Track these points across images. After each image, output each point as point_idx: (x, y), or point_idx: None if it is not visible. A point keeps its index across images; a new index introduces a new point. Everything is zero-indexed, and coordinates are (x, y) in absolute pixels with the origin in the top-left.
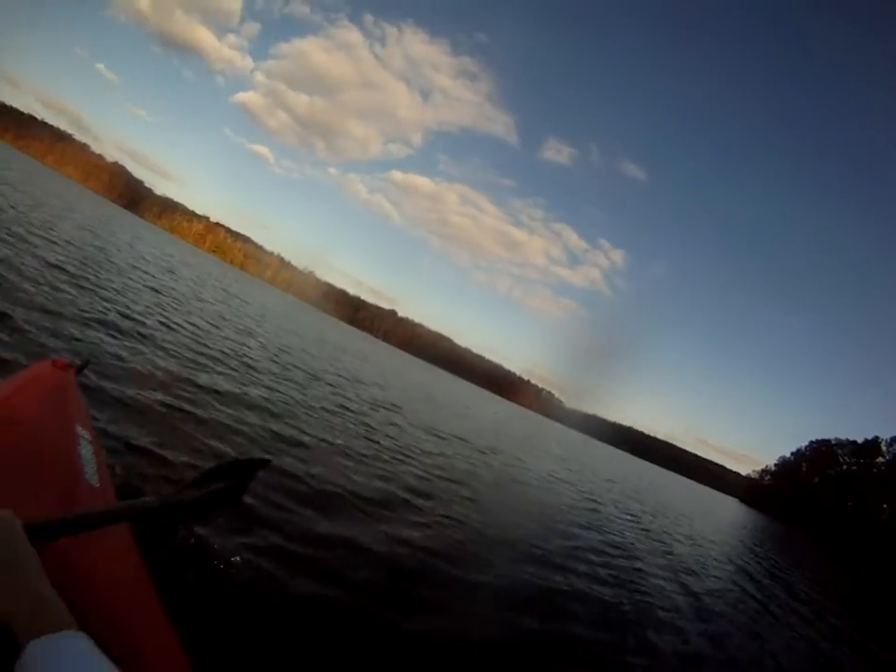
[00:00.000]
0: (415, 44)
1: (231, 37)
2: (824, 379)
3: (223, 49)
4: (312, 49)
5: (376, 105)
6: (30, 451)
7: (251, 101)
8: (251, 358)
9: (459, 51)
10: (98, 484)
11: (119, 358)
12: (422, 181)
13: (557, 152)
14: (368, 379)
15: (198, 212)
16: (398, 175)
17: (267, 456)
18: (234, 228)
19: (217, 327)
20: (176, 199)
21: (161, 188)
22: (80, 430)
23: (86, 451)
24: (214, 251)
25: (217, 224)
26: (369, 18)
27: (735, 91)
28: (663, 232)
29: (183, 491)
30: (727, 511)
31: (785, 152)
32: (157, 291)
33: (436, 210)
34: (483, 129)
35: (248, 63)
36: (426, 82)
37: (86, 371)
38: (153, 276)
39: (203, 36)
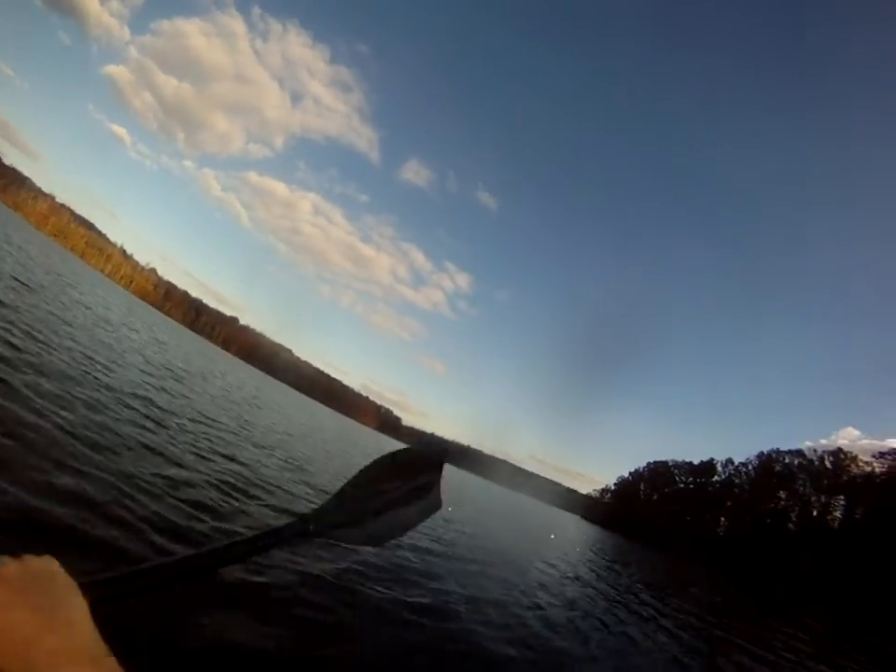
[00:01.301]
0: (297, 45)
1: (115, 3)
2: (655, 405)
3: (104, 15)
4: (192, 32)
5: (245, 100)
6: None
7: (120, 75)
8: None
9: (338, 60)
10: None
11: None
12: (278, 186)
13: (416, 174)
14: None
15: (44, 189)
16: (254, 177)
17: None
18: (80, 212)
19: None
20: (25, 172)
21: (11, 157)
22: None
23: None
24: (55, 235)
25: (62, 206)
26: (256, 10)
27: (590, 132)
28: (508, 262)
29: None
30: (571, 527)
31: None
32: None
33: (288, 217)
34: (346, 141)
35: (125, 34)
36: (299, 86)
37: None
38: None
39: None
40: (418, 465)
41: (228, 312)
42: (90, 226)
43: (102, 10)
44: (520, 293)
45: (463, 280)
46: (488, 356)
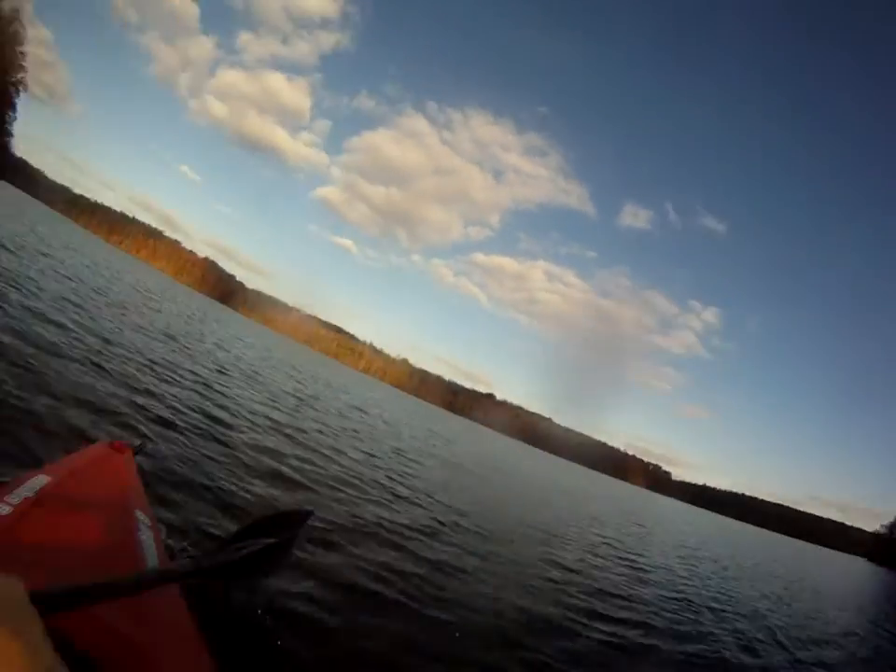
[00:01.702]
0: (481, 126)
1: (305, 135)
2: None
3: (299, 147)
4: (382, 141)
5: (451, 189)
6: (88, 537)
7: (331, 195)
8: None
9: (524, 128)
10: None
11: (183, 444)
12: (505, 261)
13: (634, 216)
14: None
15: (289, 304)
16: (480, 257)
17: (309, 507)
18: (325, 318)
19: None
20: (268, 292)
21: (253, 281)
22: (140, 515)
23: (146, 537)
24: (307, 342)
25: (309, 316)
26: (432, 105)
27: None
28: (752, 283)
29: (222, 551)
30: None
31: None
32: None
33: (522, 289)
34: (558, 202)
35: (324, 158)
36: (497, 163)
37: (145, 453)
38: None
39: (279, 135)
40: (284, 524)
41: (483, 389)
42: (337, 329)
43: (295, 143)
44: (774, 313)
45: (711, 315)
46: (755, 389)
